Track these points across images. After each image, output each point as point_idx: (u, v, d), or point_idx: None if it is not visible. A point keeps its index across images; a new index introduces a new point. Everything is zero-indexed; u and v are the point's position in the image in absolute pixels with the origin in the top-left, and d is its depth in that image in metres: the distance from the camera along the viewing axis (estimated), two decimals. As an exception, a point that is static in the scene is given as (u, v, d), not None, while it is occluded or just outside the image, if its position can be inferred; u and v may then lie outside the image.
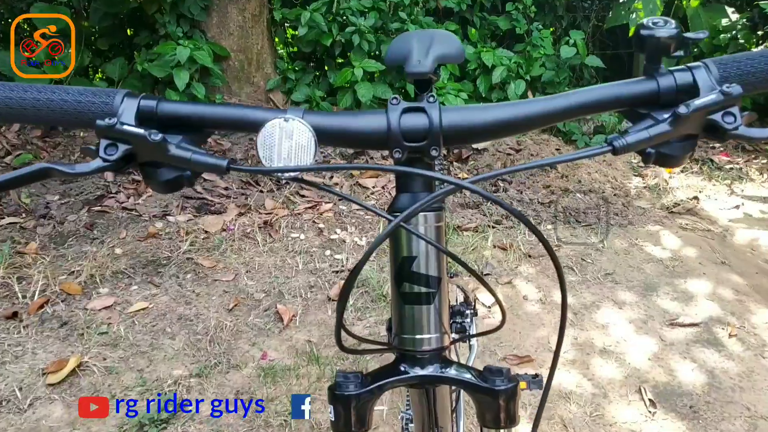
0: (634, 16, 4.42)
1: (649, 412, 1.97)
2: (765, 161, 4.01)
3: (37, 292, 2.48)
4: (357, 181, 3.52)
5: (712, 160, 4.02)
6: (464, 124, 0.60)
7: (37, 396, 2.02)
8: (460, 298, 1.72)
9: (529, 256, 2.88)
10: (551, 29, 4.85)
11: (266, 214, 3.13)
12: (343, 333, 0.66)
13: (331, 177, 3.54)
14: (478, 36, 4.54)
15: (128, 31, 4.27)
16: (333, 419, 0.67)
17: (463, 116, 0.61)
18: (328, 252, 2.86)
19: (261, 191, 3.34)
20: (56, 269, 2.64)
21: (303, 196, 3.34)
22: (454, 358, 0.95)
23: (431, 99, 0.59)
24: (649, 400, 2.01)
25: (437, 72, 1.06)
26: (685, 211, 3.33)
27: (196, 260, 2.76)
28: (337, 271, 2.72)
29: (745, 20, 4.31)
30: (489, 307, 2.50)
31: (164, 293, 2.55)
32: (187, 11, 3.78)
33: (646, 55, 0.60)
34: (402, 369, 0.69)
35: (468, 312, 1.61)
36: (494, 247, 2.95)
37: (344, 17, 3.98)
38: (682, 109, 0.55)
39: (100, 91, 0.60)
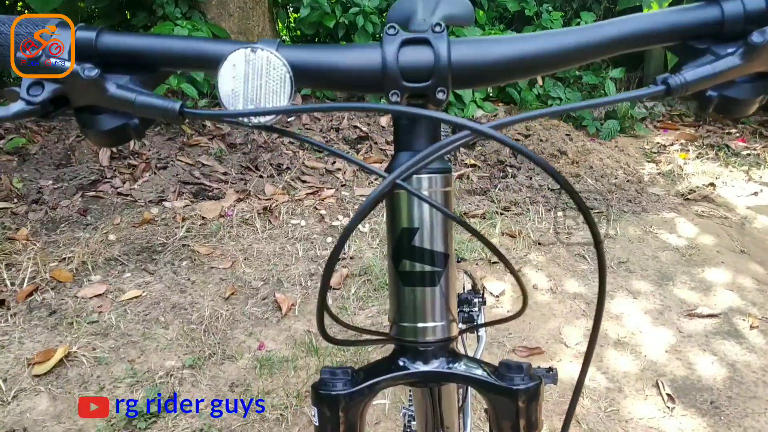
0: (647, -3, 4.27)
1: (668, 407, 1.85)
2: (783, 147, 3.88)
3: (26, 280, 2.38)
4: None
5: (728, 146, 3.87)
6: (479, 59, 0.48)
7: (22, 387, 1.93)
8: (468, 286, 1.61)
9: (539, 244, 2.76)
10: (561, 13, 4.70)
11: (266, 199, 3.02)
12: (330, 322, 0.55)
13: (333, 163, 3.42)
14: (485, 18, 4.40)
15: (126, 13, 4.15)
16: (317, 424, 0.56)
17: (477, 50, 0.49)
18: (329, 239, 2.75)
19: (261, 176, 3.23)
20: (47, 256, 2.54)
21: (304, 181, 3.23)
22: (461, 350, 0.84)
23: (437, 28, 0.48)
24: (667, 394, 1.89)
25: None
26: (701, 198, 3.20)
27: (193, 247, 2.65)
28: (338, 259, 2.60)
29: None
30: (497, 296, 2.39)
31: (158, 281, 2.45)
32: (186, -9, 3.66)
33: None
34: (401, 364, 0.57)
35: (476, 300, 1.50)
36: (502, 234, 2.82)
37: (348, -2, 3.85)
38: (756, 38, 0.43)
39: (27, 21, 0.49)
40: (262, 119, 0.44)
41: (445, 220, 0.55)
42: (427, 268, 0.55)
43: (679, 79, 0.44)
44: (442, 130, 0.58)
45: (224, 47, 0.48)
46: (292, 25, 4.49)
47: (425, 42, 0.47)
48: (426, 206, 0.54)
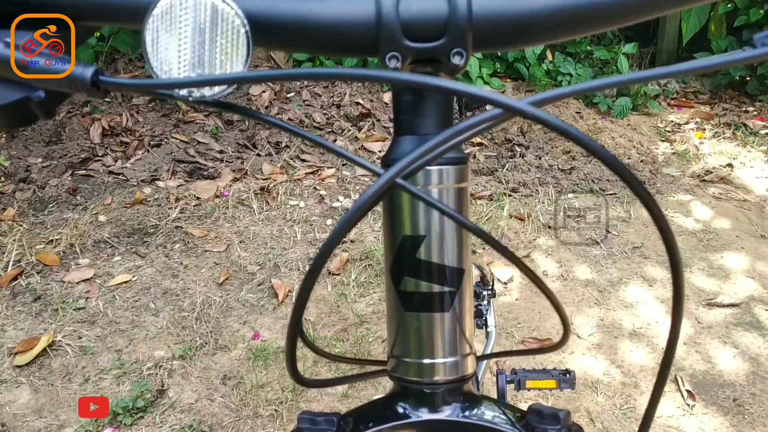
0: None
1: (687, 405, 1.74)
2: (803, 126, 3.71)
3: (11, 263, 2.28)
4: (362, 145, 3.27)
5: (745, 125, 3.71)
6: (510, 11, 0.35)
7: (2, 379, 1.83)
8: (475, 277, 1.48)
9: (549, 227, 2.63)
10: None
11: (263, 179, 2.89)
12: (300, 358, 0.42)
13: (334, 141, 3.28)
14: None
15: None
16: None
17: (504, 3, 0.35)
18: (329, 221, 2.63)
19: (258, 155, 3.10)
20: (33, 237, 2.42)
21: (304, 160, 3.10)
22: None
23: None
24: (687, 391, 1.78)
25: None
26: (718, 180, 3.06)
27: (186, 229, 2.53)
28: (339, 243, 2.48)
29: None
30: (505, 283, 2.27)
31: (149, 265, 2.33)
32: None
33: None
34: (401, 411, 0.45)
35: (485, 293, 1.38)
36: (510, 217, 2.69)
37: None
38: None
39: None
40: (207, 91, 0.32)
41: (459, 229, 0.43)
42: (436, 288, 0.43)
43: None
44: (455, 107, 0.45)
45: None
46: None
47: None
48: (434, 213, 0.41)
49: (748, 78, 4.24)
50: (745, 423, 1.68)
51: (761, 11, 3.90)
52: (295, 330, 0.41)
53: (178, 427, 1.67)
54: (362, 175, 2.98)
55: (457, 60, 0.35)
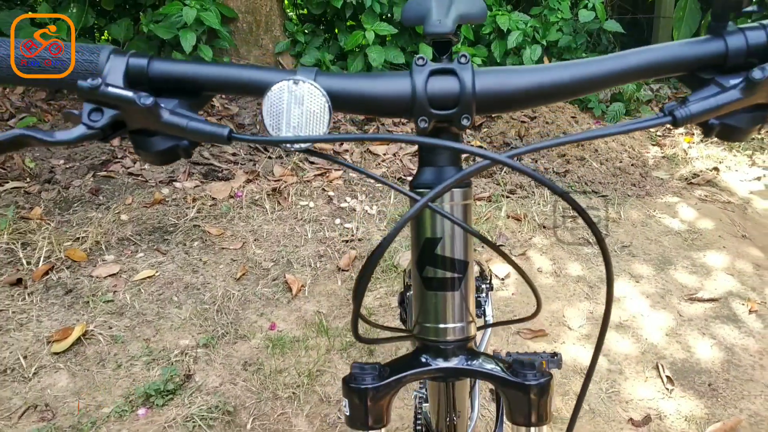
0: (655, -22, 4.26)
1: (667, 389, 1.92)
2: (788, 131, 3.90)
3: (41, 259, 2.44)
4: (368, 148, 3.44)
5: (732, 130, 3.89)
6: (501, 89, 0.53)
7: (42, 365, 1.99)
8: (475, 272, 1.65)
9: (544, 227, 2.80)
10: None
11: (275, 181, 3.06)
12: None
13: (341, 144, 3.45)
14: (493, -1, 4.39)
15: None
16: (348, 414, 0.61)
17: (500, 80, 0.53)
18: (337, 221, 2.80)
19: (270, 157, 3.27)
20: (61, 235, 2.59)
21: (312, 163, 3.27)
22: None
23: (463, 59, 0.52)
24: (667, 376, 1.95)
25: (458, 33, 0.98)
26: (704, 182, 3.24)
27: (203, 228, 2.70)
28: (346, 241, 2.66)
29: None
30: (502, 279, 2.44)
31: (171, 261, 2.50)
32: (194, -30, 3.66)
33: (712, 11, 0.53)
34: (423, 360, 0.62)
35: (484, 287, 1.54)
36: (508, 217, 2.87)
37: (356, -22, 3.85)
38: (756, 74, 0.47)
39: (83, 47, 0.53)
40: (303, 145, 0.49)
41: (465, 233, 0.60)
42: (448, 274, 0.60)
43: (684, 111, 0.49)
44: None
45: (267, 76, 0.52)
46: (300, 3, 4.48)
47: (452, 72, 0.52)
48: (447, 222, 0.59)
49: None
50: (718, 405, 1.86)
51: (749, 21, 4.06)
52: (359, 302, 0.57)
53: (206, 408, 1.84)
54: (369, 177, 3.15)
55: (465, 122, 0.52)
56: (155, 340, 2.11)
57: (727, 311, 2.27)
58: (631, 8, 5.20)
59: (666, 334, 2.15)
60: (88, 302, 2.26)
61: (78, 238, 2.60)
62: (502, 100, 0.53)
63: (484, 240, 0.57)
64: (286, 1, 4.27)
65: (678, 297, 2.34)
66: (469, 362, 0.62)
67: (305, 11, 4.43)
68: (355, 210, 2.89)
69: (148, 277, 2.41)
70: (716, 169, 3.39)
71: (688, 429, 1.78)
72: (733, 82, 0.49)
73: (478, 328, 0.67)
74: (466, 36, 4.07)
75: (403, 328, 0.67)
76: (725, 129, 0.52)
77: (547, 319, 2.22)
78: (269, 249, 2.61)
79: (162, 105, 0.49)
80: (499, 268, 2.49)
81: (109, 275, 2.41)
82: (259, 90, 0.51)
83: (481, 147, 3.59)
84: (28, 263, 2.42)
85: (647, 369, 2.00)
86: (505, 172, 3.27)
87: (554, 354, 1.27)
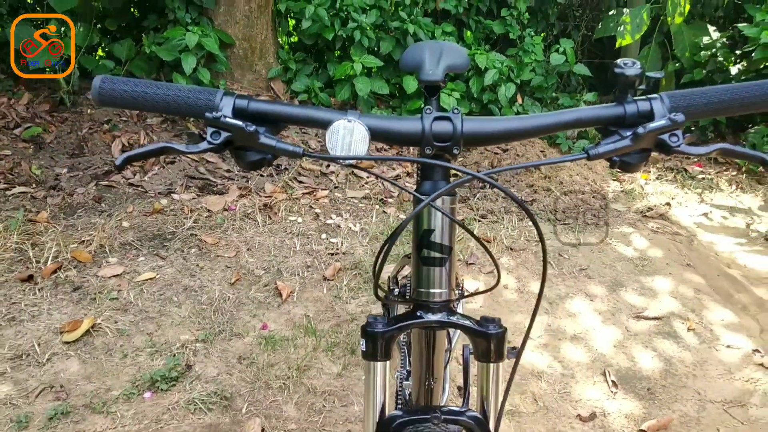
0: (621, 28, 4.65)
1: (611, 392, 2.19)
2: (735, 173, 4.27)
3: (50, 258, 2.65)
4: (352, 171, 3.71)
5: (686, 170, 4.26)
6: (480, 131, 0.80)
7: (54, 352, 2.20)
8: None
9: (511, 249, 3.09)
10: (543, 35, 5.07)
11: (266, 197, 3.31)
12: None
13: (328, 166, 3.72)
14: (472, 38, 4.73)
15: (135, 12, 4.41)
16: (364, 350, 0.87)
17: (479, 126, 0.81)
18: (323, 235, 3.06)
19: (261, 175, 3.52)
20: (67, 238, 2.80)
21: (301, 182, 3.53)
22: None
23: (456, 111, 0.79)
24: (612, 381, 2.23)
25: (446, 80, 1.26)
26: (657, 216, 3.57)
27: (200, 236, 2.93)
28: (332, 254, 2.91)
29: (725, 39, 4.55)
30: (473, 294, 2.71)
31: (170, 265, 2.73)
32: (197, -2, 3.93)
33: (617, 87, 0.81)
34: (419, 315, 0.89)
35: (456, 292, 1.81)
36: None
37: (347, 13, 4.15)
38: (640, 130, 0.75)
39: (205, 90, 0.79)
40: (350, 161, 0.76)
41: (451, 225, 0.87)
42: (438, 255, 0.87)
43: (595, 151, 0.76)
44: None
45: (329, 115, 0.78)
46: (292, 32, 4.77)
47: (448, 119, 0.79)
48: (439, 214, 0.86)
49: (694, 128, 4.81)
50: (654, 407, 2.14)
51: (703, 72, 4.47)
52: (379, 273, 0.83)
53: (205, 393, 2.06)
54: (352, 198, 3.42)
55: (455, 151, 0.79)
56: (158, 335, 2.33)
57: (669, 328, 2.57)
58: (600, 53, 5.59)
59: (614, 346, 2.44)
60: (95, 298, 2.47)
61: (83, 241, 2.81)
62: (480, 138, 0.81)
63: (465, 229, 0.84)
64: (279, 30, 4.55)
65: (626, 314, 2.64)
66: (449, 317, 0.88)
67: (296, 39, 4.72)
68: (340, 226, 3.15)
69: (150, 278, 2.63)
70: (668, 204, 3.73)
71: (627, 425, 2.05)
72: (627, 134, 0.77)
73: (458, 298, 0.94)
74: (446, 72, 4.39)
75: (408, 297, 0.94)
76: (623, 163, 0.80)
77: (510, 329, 2.49)
78: (261, 258, 2.85)
79: (259, 131, 0.76)
80: (470, 284, 2.77)
81: (114, 275, 2.62)
82: (322, 124, 0.77)
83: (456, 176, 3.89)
84: (38, 262, 2.62)
85: (596, 374, 2.28)
86: (477, 198, 3.56)
87: (513, 348, 1.55)
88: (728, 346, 2.46)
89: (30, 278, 2.53)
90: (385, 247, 0.82)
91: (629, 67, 0.79)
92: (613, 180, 4.07)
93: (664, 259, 3.10)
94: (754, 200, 3.94)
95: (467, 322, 0.89)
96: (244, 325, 2.42)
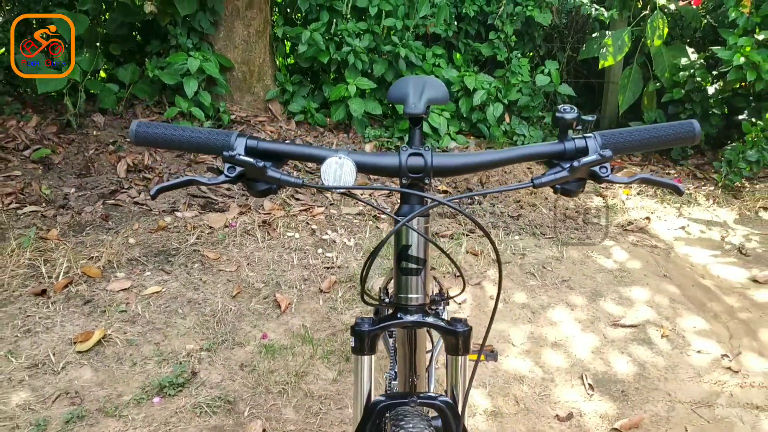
0: (604, 50, 4.86)
1: (588, 394, 2.36)
2: (712, 188, 4.46)
3: (61, 274, 2.81)
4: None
5: (666, 185, 4.45)
6: (445, 164, 0.98)
7: (68, 361, 2.35)
8: (436, 290, 2.09)
9: (497, 262, 3.26)
10: (530, 55, 5.28)
11: (265, 214, 3.48)
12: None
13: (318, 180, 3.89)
14: (462, 60, 4.94)
15: (138, 38, 4.60)
16: (353, 346, 1.04)
17: (445, 160, 0.98)
18: (320, 250, 3.23)
19: (260, 193, 3.70)
20: (77, 254, 2.97)
21: (298, 199, 3.70)
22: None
23: (427, 148, 0.97)
24: (589, 384, 2.40)
25: (427, 111, 1.44)
26: (637, 230, 3.75)
27: (202, 252, 3.10)
28: (328, 267, 3.08)
29: (702, 60, 4.77)
30: (460, 304, 2.88)
31: (175, 279, 2.89)
32: (198, 25, 4.13)
33: (559, 128, 0.98)
34: (399, 316, 1.06)
35: (442, 300, 1.98)
36: (467, 252, 3.33)
37: (341, 38, 4.36)
38: (575, 163, 0.93)
39: (222, 132, 0.96)
40: (342, 190, 0.93)
41: (425, 241, 1.05)
42: (414, 266, 1.04)
43: (540, 180, 0.94)
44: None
45: (324, 152, 0.96)
46: (289, 55, 4.96)
47: (420, 154, 0.97)
48: (415, 234, 1.03)
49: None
50: (627, 407, 2.31)
51: (682, 91, 4.68)
52: (364, 281, 1.01)
53: (210, 398, 2.22)
54: (347, 214, 3.60)
55: (426, 181, 0.97)
56: (164, 344, 2.49)
57: (644, 335, 2.74)
58: (586, 73, 5.80)
59: (592, 352, 2.61)
60: (105, 311, 2.63)
61: (92, 257, 2.98)
62: (446, 170, 0.99)
63: (435, 245, 1.02)
64: (277, 54, 4.75)
65: (604, 323, 2.81)
66: (425, 318, 1.06)
67: (292, 61, 4.92)
68: (335, 242, 3.32)
69: (156, 292, 2.79)
70: (648, 218, 3.91)
71: (601, 424, 2.22)
72: (566, 166, 0.95)
73: (431, 302, 1.11)
74: (436, 92, 4.59)
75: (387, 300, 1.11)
76: (564, 190, 0.97)
77: (495, 337, 2.66)
78: (260, 272, 3.01)
79: (267, 166, 0.93)
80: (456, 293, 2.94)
81: (122, 289, 2.78)
82: (318, 160, 0.95)
83: (446, 192, 4.08)
84: (50, 277, 2.79)
85: (573, 378, 2.45)
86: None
87: (492, 351, 1.72)
88: (699, 351, 2.63)
89: (43, 292, 2.70)
90: (369, 260, 0.99)
91: (568, 112, 0.97)
92: (597, 196, 4.26)
93: (642, 271, 3.28)
94: (729, 214, 4.13)
95: (439, 322, 1.06)
96: (245, 335, 2.58)
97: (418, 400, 1.04)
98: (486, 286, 3.05)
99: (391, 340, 1.80)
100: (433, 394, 1.07)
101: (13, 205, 3.36)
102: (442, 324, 1.05)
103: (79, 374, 2.31)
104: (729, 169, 4.35)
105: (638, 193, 4.33)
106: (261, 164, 0.92)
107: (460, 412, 1.05)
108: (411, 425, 0.98)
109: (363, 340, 1.03)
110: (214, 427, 2.11)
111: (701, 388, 2.42)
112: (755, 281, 3.24)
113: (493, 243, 0.99)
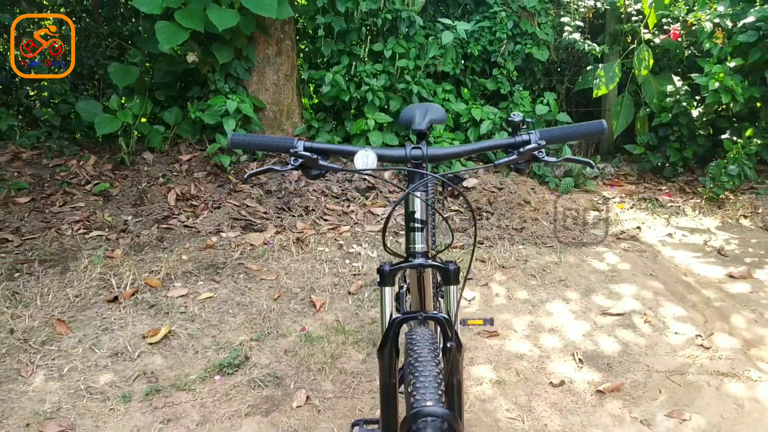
0: (597, 81, 5.36)
1: (578, 366, 2.79)
2: (698, 200, 4.90)
3: (128, 284, 3.32)
4: (369, 210, 4.39)
5: (657, 199, 4.90)
6: (436, 154, 1.47)
7: (142, 351, 2.84)
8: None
9: (503, 267, 3.72)
10: (532, 89, 5.79)
11: (298, 232, 3.99)
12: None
13: (348, 206, 4.39)
14: (469, 95, 5.47)
15: (179, 85, 5.20)
16: (378, 281, 1.51)
17: (436, 151, 1.47)
18: (347, 261, 3.71)
19: (293, 215, 4.21)
20: (140, 269, 3.48)
21: (326, 219, 4.21)
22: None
23: (424, 145, 1.46)
24: (579, 359, 2.82)
25: (430, 129, 1.94)
26: (629, 238, 4.19)
27: (246, 265, 3.60)
28: (355, 274, 3.56)
29: (686, 87, 5.24)
30: (469, 300, 3.34)
31: (224, 287, 3.39)
32: (234, 71, 4.71)
33: (511, 128, 1.47)
34: (409, 260, 1.53)
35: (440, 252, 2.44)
36: (476, 260, 3.79)
37: (360, 78, 4.91)
38: (521, 150, 1.42)
39: (287, 138, 1.47)
40: (368, 171, 1.42)
41: (426, 207, 1.52)
42: (419, 225, 1.52)
43: (498, 162, 1.43)
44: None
45: (355, 148, 1.45)
46: (314, 95, 5.53)
47: (420, 148, 1.46)
48: (419, 201, 1.51)
49: (666, 164, 5.46)
50: (611, 376, 2.73)
51: (669, 115, 5.15)
52: (384, 235, 1.49)
53: (261, 375, 2.69)
54: (370, 231, 4.09)
55: (425, 165, 1.45)
56: (220, 337, 2.97)
57: (629, 321, 3.17)
58: (585, 102, 6.30)
59: (583, 335, 3.04)
60: (168, 312, 3.12)
61: (152, 271, 3.49)
62: (437, 158, 1.47)
63: (433, 208, 1.51)
64: (303, 95, 5.31)
65: (595, 312, 3.24)
66: (426, 260, 1.53)
67: (316, 100, 5.48)
68: (360, 254, 3.80)
69: (209, 297, 3.28)
70: (639, 228, 4.35)
71: (588, 388, 2.64)
72: (516, 152, 1.43)
73: (434, 253, 1.59)
74: (448, 125, 5.11)
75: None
76: (516, 169, 1.46)
77: (500, 326, 3.10)
78: (297, 280, 3.50)
79: (319, 159, 1.42)
80: (467, 293, 3.39)
81: (180, 296, 3.28)
82: (352, 153, 1.44)
83: (457, 210, 4.56)
84: (118, 287, 3.30)
85: (566, 355, 2.88)
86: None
87: (491, 319, 2.18)
88: (676, 333, 3.05)
89: (115, 299, 3.20)
90: (386, 221, 1.47)
91: (516, 117, 1.46)
92: (594, 210, 4.71)
93: (631, 271, 3.72)
94: (713, 222, 4.56)
95: (437, 263, 1.53)
96: (287, 328, 3.06)
97: (424, 315, 1.51)
98: (492, 286, 3.50)
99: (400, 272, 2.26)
100: (434, 312, 1.53)
101: (81, 231, 3.90)
102: (440, 264, 1.53)
103: (152, 360, 2.79)
104: (713, 183, 4.78)
105: (631, 207, 4.77)
106: (315, 156, 1.41)
107: (453, 324, 1.51)
108: (418, 331, 1.45)
109: (385, 277, 1.50)
110: (267, 396, 2.57)
111: (676, 360, 2.83)
112: (731, 276, 3.66)
113: (469, 205, 1.46)
